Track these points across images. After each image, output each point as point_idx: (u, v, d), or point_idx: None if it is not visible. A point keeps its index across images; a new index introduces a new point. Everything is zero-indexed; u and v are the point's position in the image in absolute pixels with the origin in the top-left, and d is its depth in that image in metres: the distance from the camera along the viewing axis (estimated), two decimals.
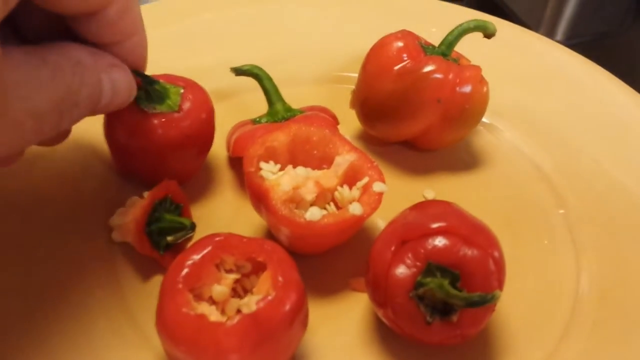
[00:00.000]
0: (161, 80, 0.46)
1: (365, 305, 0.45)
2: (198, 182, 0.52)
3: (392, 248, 0.39)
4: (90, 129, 0.52)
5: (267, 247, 0.38)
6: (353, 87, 0.56)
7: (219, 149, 0.54)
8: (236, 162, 0.52)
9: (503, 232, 0.49)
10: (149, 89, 0.45)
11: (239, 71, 0.52)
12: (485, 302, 0.36)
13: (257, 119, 0.52)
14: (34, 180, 0.49)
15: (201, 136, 0.48)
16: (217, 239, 0.39)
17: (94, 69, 0.36)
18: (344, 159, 0.46)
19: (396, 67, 0.51)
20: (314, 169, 0.46)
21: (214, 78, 0.54)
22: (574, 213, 0.52)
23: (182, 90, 0.47)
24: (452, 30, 0.52)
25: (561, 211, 0.52)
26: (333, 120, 0.52)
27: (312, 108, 0.53)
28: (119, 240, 0.46)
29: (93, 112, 0.37)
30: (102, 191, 0.50)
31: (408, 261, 0.38)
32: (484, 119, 0.57)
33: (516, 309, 0.45)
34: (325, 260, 0.47)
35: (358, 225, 0.44)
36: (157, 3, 0.65)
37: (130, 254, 0.46)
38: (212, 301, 0.38)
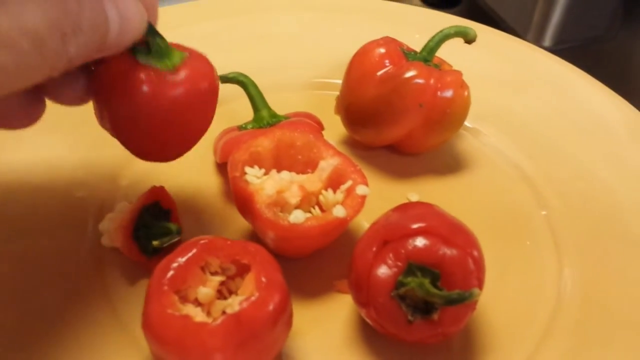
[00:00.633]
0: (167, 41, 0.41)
1: (350, 307, 0.46)
2: (186, 187, 0.53)
3: (374, 249, 0.40)
4: (86, 135, 0.53)
5: (251, 249, 0.39)
6: (338, 93, 0.57)
7: (206, 155, 0.54)
8: (223, 168, 0.53)
9: (486, 234, 0.50)
10: (150, 42, 0.40)
11: (224, 79, 0.53)
12: (463, 299, 0.37)
13: (243, 126, 0.53)
14: (24, 185, 0.50)
15: (191, 110, 0.42)
16: (202, 241, 0.39)
17: None
18: (328, 163, 0.47)
19: (379, 73, 0.52)
20: (298, 173, 0.47)
21: None
22: (556, 214, 0.53)
23: (186, 55, 0.42)
24: (433, 37, 0.53)
25: (543, 212, 0.53)
26: (318, 126, 0.53)
27: (297, 114, 0.54)
28: (108, 245, 0.47)
29: (105, 45, 0.34)
30: (93, 196, 0.51)
31: (389, 261, 0.39)
32: (467, 123, 0.58)
33: (498, 309, 0.46)
34: (310, 262, 0.48)
35: (342, 227, 0.45)
36: None
37: (119, 258, 0.46)
38: (197, 303, 0.39)
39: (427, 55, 0.53)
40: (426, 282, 0.38)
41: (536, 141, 0.59)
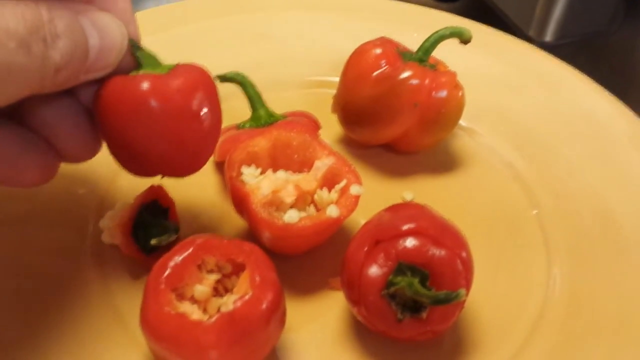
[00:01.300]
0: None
1: (344, 304, 0.47)
2: (184, 186, 0.54)
3: (365, 248, 0.41)
4: None
5: (246, 249, 0.40)
6: (335, 91, 0.57)
7: None
8: (221, 166, 0.54)
9: (478, 232, 0.52)
10: (138, 56, 0.40)
11: (223, 78, 0.54)
12: (450, 299, 0.38)
13: (241, 124, 0.54)
14: None
15: (198, 109, 0.41)
16: (199, 240, 0.40)
17: (62, 5, 0.33)
18: (323, 163, 0.47)
19: (374, 74, 0.53)
20: (294, 172, 0.48)
21: None
22: (548, 214, 0.54)
23: (175, 64, 0.42)
24: (429, 37, 0.54)
25: (534, 212, 0.54)
26: (314, 125, 0.54)
27: (294, 113, 0.55)
28: (108, 242, 0.48)
29: (87, 65, 0.35)
30: (93, 193, 0.52)
31: (380, 261, 0.40)
32: (462, 122, 0.59)
33: (488, 306, 0.47)
34: (305, 260, 0.49)
35: (335, 226, 0.46)
36: (141, 13, 0.67)
37: (119, 254, 0.48)
38: (194, 300, 0.40)
39: (422, 56, 0.54)
40: (415, 281, 0.39)
41: (530, 141, 0.60)
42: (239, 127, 0.54)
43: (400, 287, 0.39)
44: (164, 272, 0.39)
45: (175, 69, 0.41)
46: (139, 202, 0.47)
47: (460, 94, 0.53)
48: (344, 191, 0.46)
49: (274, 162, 0.48)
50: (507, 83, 0.65)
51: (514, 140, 0.60)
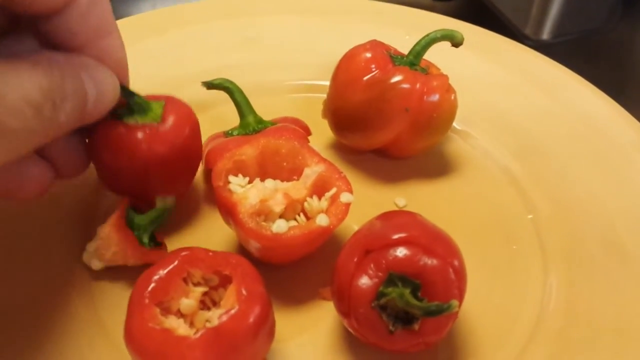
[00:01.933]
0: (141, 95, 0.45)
1: (335, 314, 0.45)
2: None
3: (355, 259, 0.40)
4: None
5: (232, 261, 0.39)
6: (325, 96, 0.57)
7: None
8: (210, 174, 0.53)
9: (473, 237, 0.51)
10: (130, 102, 0.44)
11: (210, 85, 0.53)
12: (442, 311, 0.37)
13: (230, 132, 0.53)
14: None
15: (187, 149, 0.47)
16: (184, 253, 0.40)
17: (71, 66, 0.36)
18: (313, 171, 0.46)
19: (365, 78, 0.52)
20: (283, 180, 0.47)
21: (188, 91, 0.55)
22: (543, 218, 0.53)
23: (163, 103, 0.46)
24: (420, 40, 0.53)
25: (530, 216, 0.53)
26: (304, 131, 0.53)
27: (284, 119, 0.54)
28: (98, 266, 0.46)
29: (84, 114, 0.37)
30: (80, 203, 0.51)
31: (370, 272, 0.39)
32: (456, 126, 0.58)
33: (483, 313, 0.46)
34: (296, 270, 0.48)
35: (325, 235, 0.45)
36: (131, 18, 0.66)
37: (105, 268, 0.47)
38: (180, 315, 0.39)
39: (413, 59, 0.53)
40: (406, 292, 0.38)
41: (524, 144, 0.59)
42: (227, 134, 0.53)
43: (391, 298, 0.38)
44: (148, 286, 0.38)
45: (165, 116, 0.46)
46: (124, 203, 0.46)
47: (452, 97, 0.52)
48: (334, 199, 0.45)
49: (263, 170, 0.47)
50: (502, 85, 0.64)
51: (509, 143, 0.59)
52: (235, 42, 0.66)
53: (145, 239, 0.46)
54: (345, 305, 0.40)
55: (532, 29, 0.93)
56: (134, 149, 0.44)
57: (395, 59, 0.53)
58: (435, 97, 0.51)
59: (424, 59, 0.54)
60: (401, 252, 0.39)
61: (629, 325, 0.45)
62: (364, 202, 0.51)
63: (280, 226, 0.43)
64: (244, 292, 0.37)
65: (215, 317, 0.37)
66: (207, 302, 0.41)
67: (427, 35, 0.53)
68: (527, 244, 0.51)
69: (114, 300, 0.45)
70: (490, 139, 0.60)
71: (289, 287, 0.47)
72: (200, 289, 0.40)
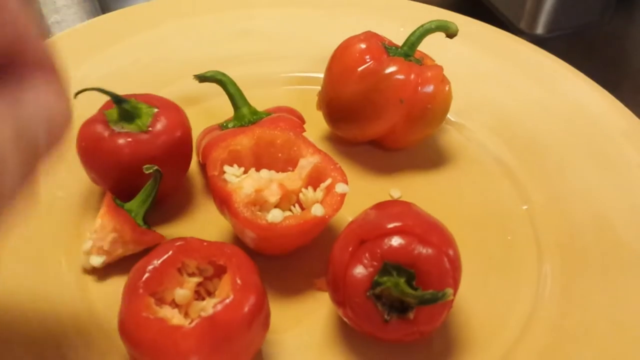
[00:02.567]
0: (133, 100, 0.46)
1: (330, 304, 0.45)
2: None
3: (350, 248, 0.40)
4: None
5: (227, 251, 0.39)
6: (320, 87, 0.56)
7: None
8: (205, 168, 0.53)
9: (468, 228, 0.51)
10: (119, 109, 0.45)
11: (203, 78, 0.52)
12: (436, 299, 0.37)
13: (224, 124, 0.53)
14: None
15: (172, 157, 0.47)
16: (178, 243, 0.39)
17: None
18: (308, 161, 0.46)
19: (359, 69, 0.52)
20: (278, 171, 0.47)
21: (181, 83, 0.55)
22: (538, 210, 0.53)
23: (155, 110, 0.47)
24: (414, 31, 0.53)
25: (525, 207, 0.53)
26: (299, 121, 0.53)
27: (278, 109, 0.54)
28: (98, 262, 0.45)
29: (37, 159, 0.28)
30: (73, 197, 0.51)
31: (365, 261, 0.39)
32: (450, 117, 0.58)
33: (478, 303, 0.46)
34: (291, 260, 0.48)
35: (321, 226, 0.45)
36: (124, 10, 0.65)
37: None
38: (175, 305, 0.39)
39: (408, 50, 0.53)
40: (401, 281, 0.38)
41: (519, 135, 0.59)
42: (222, 127, 0.53)
43: (386, 288, 0.38)
44: (142, 276, 0.38)
45: (153, 124, 0.46)
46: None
47: (447, 88, 0.52)
48: (329, 190, 0.45)
49: (258, 161, 0.47)
50: (497, 77, 0.64)
51: (504, 134, 0.59)
52: (229, 34, 0.66)
53: (140, 221, 0.46)
54: (341, 295, 0.40)
55: (526, 23, 0.93)
56: (115, 155, 0.45)
57: (389, 50, 0.53)
58: (430, 88, 0.51)
59: (419, 50, 0.54)
60: (396, 241, 0.39)
61: (623, 314, 0.45)
62: (359, 193, 0.51)
63: (275, 216, 0.43)
64: (238, 281, 0.37)
65: (209, 306, 0.36)
66: (202, 293, 0.40)
67: (422, 26, 0.53)
68: (522, 234, 0.51)
69: (108, 290, 0.45)
70: (484, 131, 0.59)
71: (284, 278, 0.47)
72: (195, 279, 0.40)
